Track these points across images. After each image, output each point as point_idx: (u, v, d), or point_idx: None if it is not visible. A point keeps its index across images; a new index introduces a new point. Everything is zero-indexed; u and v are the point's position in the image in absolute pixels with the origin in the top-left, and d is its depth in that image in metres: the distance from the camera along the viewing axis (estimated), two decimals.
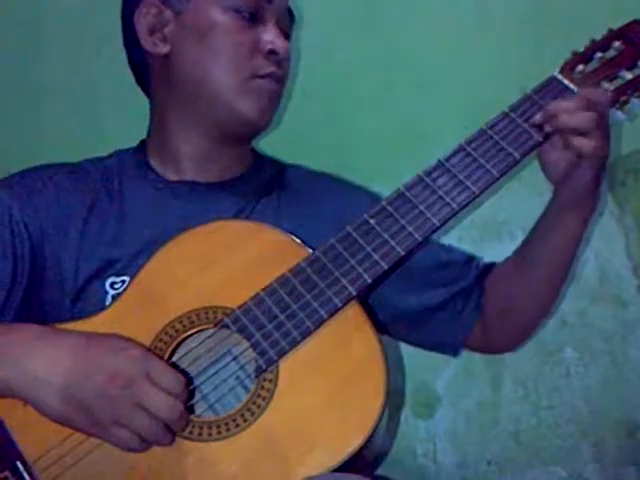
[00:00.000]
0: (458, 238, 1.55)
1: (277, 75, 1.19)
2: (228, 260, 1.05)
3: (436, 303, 1.26)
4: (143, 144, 1.29)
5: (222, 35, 1.16)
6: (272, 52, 1.17)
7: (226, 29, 1.16)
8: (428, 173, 1.05)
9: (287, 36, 1.25)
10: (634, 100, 1.09)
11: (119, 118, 1.65)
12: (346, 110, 1.61)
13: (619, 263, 1.58)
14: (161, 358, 0.98)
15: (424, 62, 1.59)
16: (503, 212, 1.58)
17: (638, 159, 1.58)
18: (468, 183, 1.03)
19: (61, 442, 0.95)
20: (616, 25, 1.10)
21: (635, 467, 1.52)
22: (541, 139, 1.05)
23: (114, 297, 1.12)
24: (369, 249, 1.02)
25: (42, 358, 0.94)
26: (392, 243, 1.02)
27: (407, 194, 1.04)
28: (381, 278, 1.04)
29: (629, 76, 1.07)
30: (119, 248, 1.16)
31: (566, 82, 1.07)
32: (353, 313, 1.01)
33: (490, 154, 1.04)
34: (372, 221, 1.03)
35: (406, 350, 1.39)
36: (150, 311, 1.03)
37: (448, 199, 1.03)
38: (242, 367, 1.02)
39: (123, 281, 1.14)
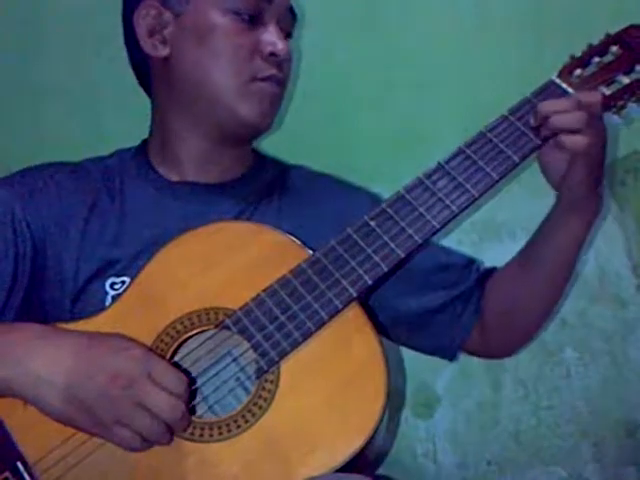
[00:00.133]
0: (457, 240, 1.56)
1: (277, 78, 1.18)
2: (229, 261, 1.05)
3: (436, 306, 1.26)
4: (144, 144, 1.29)
5: (222, 37, 1.15)
6: (272, 54, 1.17)
7: (226, 31, 1.15)
8: (428, 176, 1.05)
9: (289, 35, 1.25)
10: (631, 104, 1.09)
11: (119, 118, 1.65)
12: (346, 110, 1.61)
13: (619, 263, 1.58)
14: (163, 358, 0.98)
15: (424, 62, 1.59)
16: (503, 214, 1.58)
17: (638, 159, 1.58)
18: (468, 186, 1.04)
19: (62, 442, 0.94)
20: (615, 28, 1.10)
21: (635, 467, 1.52)
22: (540, 142, 1.06)
23: (114, 298, 1.12)
24: (369, 251, 1.02)
25: (43, 357, 0.94)
26: (392, 245, 1.02)
27: (407, 196, 1.04)
28: (381, 280, 1.04)
29: (626, 81, 1.08)
30: (119, 248, 1.16)
31: (564, 86, 1.08)
32: (354, 315, 1.02)
33: (489, 157, 1.05)
34: (372, 223, 1.03)
35: (406, 350, 1.39)
36: (151, 312, 1.03)
37: (448, 202, 1.03)
38: (242, 369, 1.02)
39: (123, 282, 1.14)
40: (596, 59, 1.09)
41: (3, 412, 0.95)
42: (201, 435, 0.96)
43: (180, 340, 1.01)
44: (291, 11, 1.25)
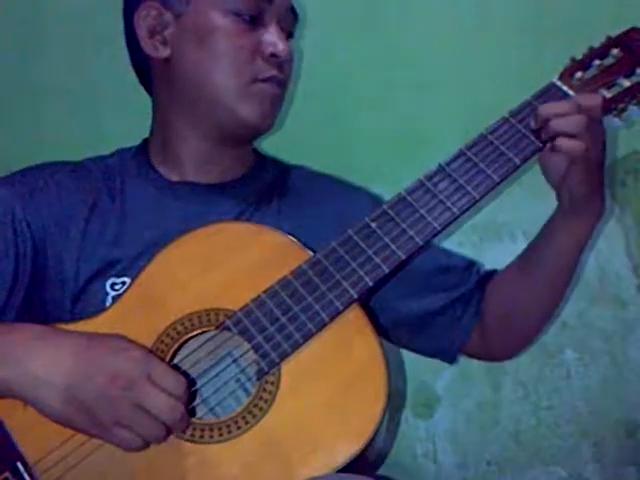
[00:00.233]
0: (458, 242, 1.55)
1: (278, 79, 1.18)
2: (229, 262, 1.05)
3: (436, 308, 1.26)
4: (145, 143, 1.29)
5: (222, 39, 1.15)
6: (273, 55, 1.16)
7: (226, 33, 1.15)
8: (429, 177, 1.05)
9: (291, 34, 1.25)
10: (632, 107, 1.09)
11: (119, 118, 1.65)
12: (346, 110, 1.61)
13: (619, 263, 1.58)
14: (162, 360, 0.98)
15: (424, 62, 1.59)
16: (503, 215, 1.58)
17: (637, 159, 1.58)
18: (469, 188, 1.04)
19: (62, 443, 0.95)
20: (616, 30, 1.10)
21: (635, 467, 1.52)
22: (541, 144, 1.06)
23: (114, 298, 1.12)
24: (370, 252, 1.02)
25: (43, 358, 0.94)
26: (393, 247, 1.02)
27: (408, 198, 1.04)
28: (382, 281, 1.04)
29: (627, 84, 1.08)
30: (120, 249, 1.16)
31: (565, 88, 1.08)
32: (354, 316, 1.02)
33: (490, 159, 1.05)
34: (373, 225, 1.03)
35: (407, 351, 1.39)
36: (151, 313, 1.03)
37: (449, 203, 1.03)
38: (243, 370, 1.02)
39: (124, 282, 1.14)
40: (597, 62, 1.09)
41: (3, 413, 0.95)
42: (201, 436, 0.96)
43: (180, 341, 1.01)
44: (292, 11, 1.25)
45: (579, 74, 1.09)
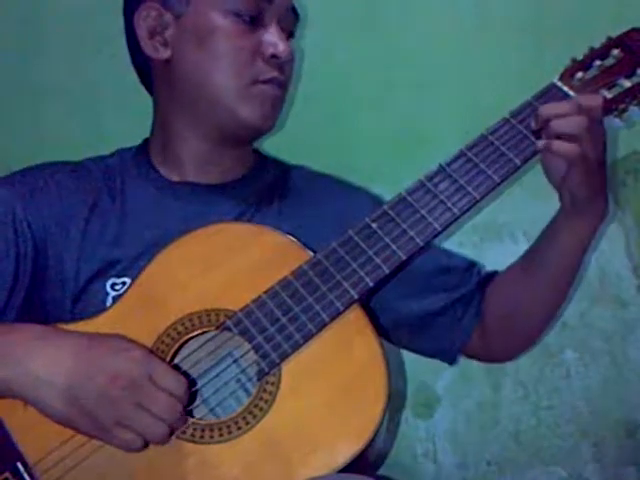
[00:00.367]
0: (459, 242, 1.55)
1: (279, 80, 1.18)
2: (229, 262, 1.05)
3: (436, 308, 1.26)
4: (146, 143, 1.29)
5: (222, 40, 1.15)
6: (274, 56, 1.16)
7: (226, 33, 1.15)
8: (429, 178, 1.05)
9: (291, 34, 1.25)
10: (633, 108, 1.09)
11: (119, 118, 1.64)
12: (346, 111, 1.61)
13: (619, 263, 1.58)
14: (163, 360, 0.98)
15: (424, 62, 1.59)
16: (504, 216, 1.58)
17: (638, 159, 1.58)
18: (469, 188, 1.04)
19: (62, 444, 0.95)
20: (616, 31, 1.10)
21: (635, 467, 1.52)
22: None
23: (115, 298, 1.12)
24: (371, 253, 1.02)
25: (43, 358, 0.94)
26: (394, 247, 1.02)
27: (409, 198, 1.04)
28: (382, 282, 1.04)
29: (628, 84, 1.08)
30: (120, 249, 1.16)
31: (565, 89, 1.08)
32: (355, 317, 1.02)
33: (491, 160, 1.05)
34: (374, 225, 1.03)
35: (407, 351, 1.39)
36: (151, 313, 1.03)
37: (449, 204, 1.03)
38: (243, 370, 1.02)
39: (124, 282, 1.14)
40: (597, 62, 1.09)
41: (3, 412, 0.96)
42: (202, 436, 0.96)
43: (181, 341, 1.01)
44: (293, 10, 1.24)
45: (580, 74, 1.09)
